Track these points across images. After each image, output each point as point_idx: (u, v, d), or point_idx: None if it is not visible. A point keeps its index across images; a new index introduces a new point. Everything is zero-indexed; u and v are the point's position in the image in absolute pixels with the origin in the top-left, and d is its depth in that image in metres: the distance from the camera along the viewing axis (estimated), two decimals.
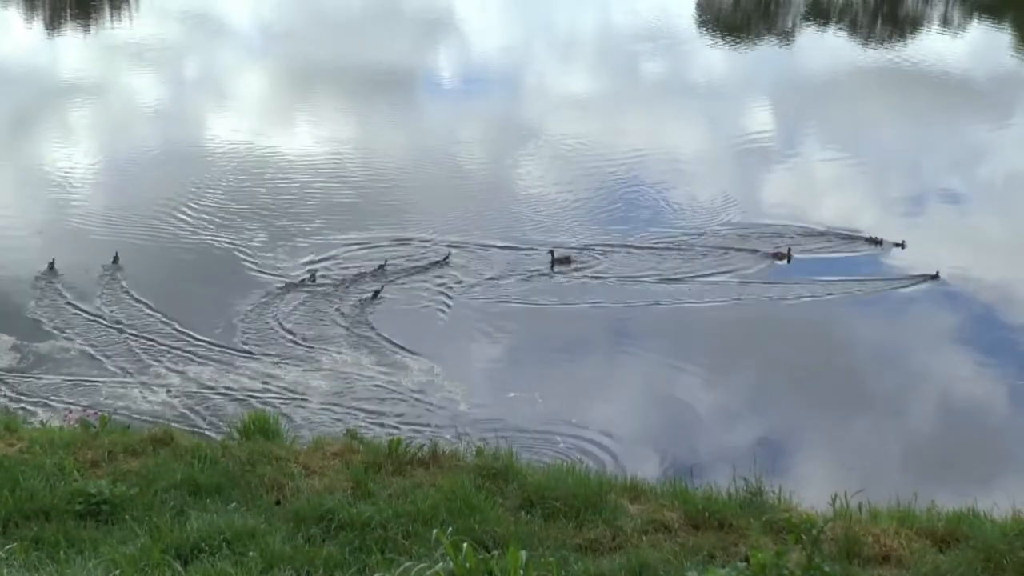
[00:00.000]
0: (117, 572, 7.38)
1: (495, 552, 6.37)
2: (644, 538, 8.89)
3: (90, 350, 16.51)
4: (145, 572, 7.57)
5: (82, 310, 17.64)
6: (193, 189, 22.71)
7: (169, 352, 16.55)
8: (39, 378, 15.68)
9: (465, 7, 43.71)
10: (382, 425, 14.71)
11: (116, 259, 19.31)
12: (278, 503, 9.34)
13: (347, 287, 18.81)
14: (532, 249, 20.39)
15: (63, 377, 15.73)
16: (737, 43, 39.64)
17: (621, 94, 32.01)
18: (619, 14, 42.92)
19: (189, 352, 16.56)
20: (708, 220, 21.90)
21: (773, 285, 19.44)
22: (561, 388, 16.04)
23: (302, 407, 15.26)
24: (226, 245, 20.28)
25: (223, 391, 15.59)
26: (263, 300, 18.21)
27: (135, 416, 14.35)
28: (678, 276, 19.62)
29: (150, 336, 16.97)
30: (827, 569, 6.42)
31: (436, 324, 18.01)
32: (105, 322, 17.34)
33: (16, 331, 16.90)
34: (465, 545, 6.09)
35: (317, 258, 19.75)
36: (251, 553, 7.97)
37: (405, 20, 41.05)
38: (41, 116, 28.21)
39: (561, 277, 19.51)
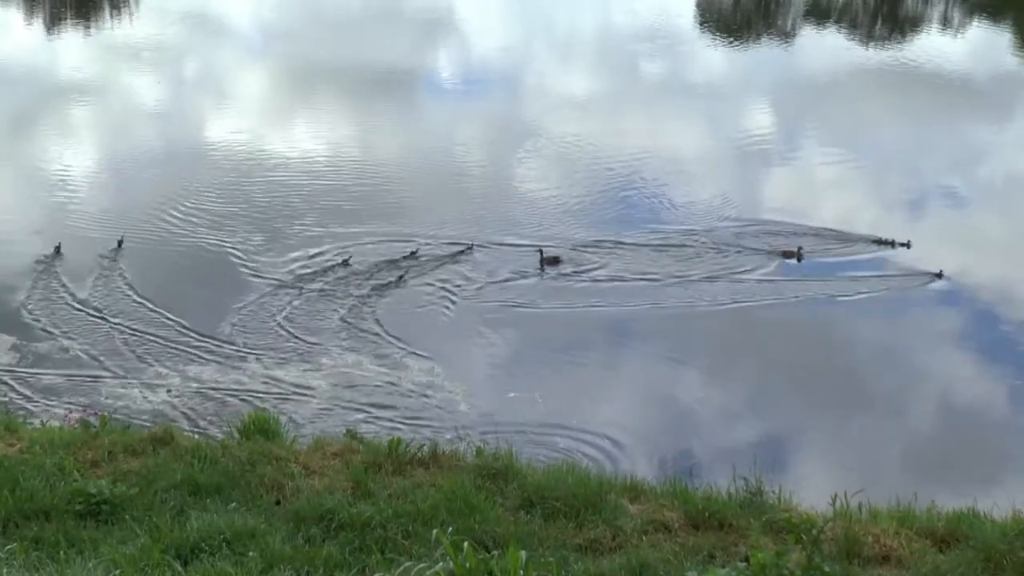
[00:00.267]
0: (117, 572, 7.38)
1: (495, 552, 6.36)
2: (644, 538, 8.89)
3: (90, 349, 16.52)
4: (145, 572, 7.57)
5: (82, 309, 17.66)
6: (194, 188, 22.73)
7: (170, 352, 16.56)
8: (40, 377, 15.71)
9: (465, 7, 43.70)
10: (382, 425, 14.71)
11: (120, 244, 19.43)
12: (278, 503, 9.34)
13: (355, 283, 18.88)
14: (531, 245, 20.44)
15: (63, 376, 15.76)
16: (737, 43, 39.65)
17: (621, 94, 32.01)
18: (619, 14, 42.92)
19: (190, 351, 16.57)
20: (711, 219, 21.90)
21: (778, 285, 19.43)
22: (562, 388, 16.04)
23: (303, 406, 15.26)
24: (227, 246, 20.29)
25: (222, 391, 15.59)
26: (261, 298, 18.23)
27: (135, 417, 14.33)
28: (680, 276, 19.63)
29: (151, 334, 16.98)
30: (827, 569, 6.41)
31: (438, 324, 18.01)
32: (100, 317, 17.36)
33: (15, 330, 16.93)
34: (466, 545, 6.08)
35: (311, 254, 19.82)
36: (251, 553, 7.97)
37: (405, 20, 41.06)
38: (41, 116, 28.20)
39: (562, 278, 19.50)
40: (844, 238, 21.22)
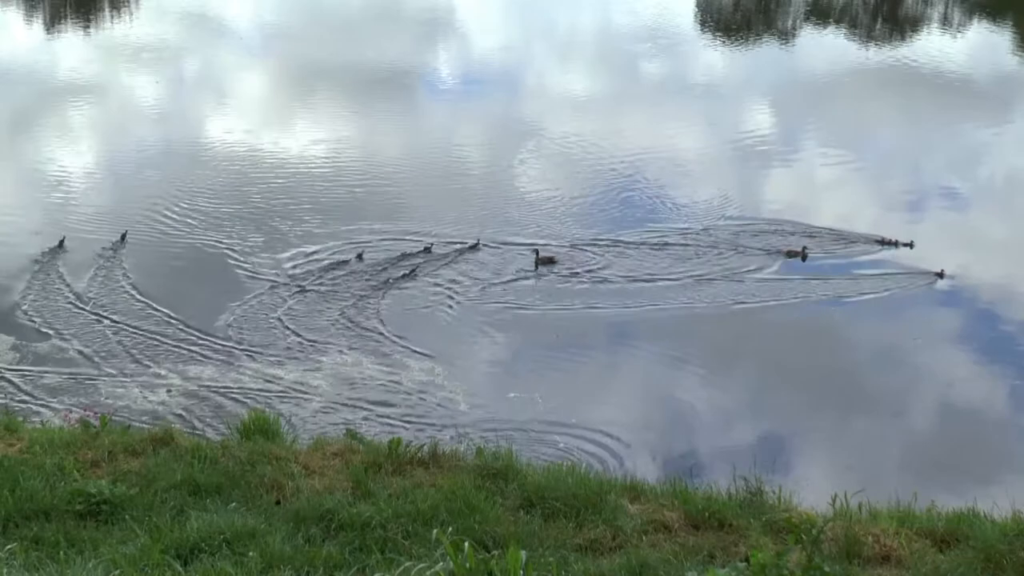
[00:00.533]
0: (117, 572, 7.37)
1: (495, 552, 6.36)
2: (644, 538, 8.89)
3: (89, 349, 16.53)
4: (145, 572, 7.57)
5: (82, 308, 17.66)
6: (194, 188, 22.72)
7: (170, 352, 16.56)
8: (40, 376, 15.71)
9: (465, 7, 43.69)
10: (383, 425, 14.70)
11: (123, 238, 19.46)
12: (278, 503, 9.34)
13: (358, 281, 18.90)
14: (529, 244, 20.43)
15: (64, 376, 15.76)
16: (737, 43, 39.63)
17: (622, 94, 32.00)
18: (619, 14, 42.90)
19: (191, 351, 16.57)
20: (714, 219, 21.90)
21: (779, 284, 19.42)
22: (562, 388, 16.03)
23: (303, 406, 15.26)
24: (227, 246, 20.28)
25: (223, 391, 15.59)
26: (259, 298, 18.23)
27: (135, 418, 14.33)
28: (680, 276, 19.62)
29: (151, 332, 16.99)
30: (827, 569, 6.41)
31: (438, 323, 18.00)
32: (101, 316, 17.37)
33: (15, 330, 16.93)
34: (466, 545, 6.08)
35: (308, 253, 19.80)
36: (251, 553, 7.97)
37: (405, 20, 41.04)
38: (41, 116, 28.19)
39: (562, 278, 19.49)
40: (846, 238, 21.22)
